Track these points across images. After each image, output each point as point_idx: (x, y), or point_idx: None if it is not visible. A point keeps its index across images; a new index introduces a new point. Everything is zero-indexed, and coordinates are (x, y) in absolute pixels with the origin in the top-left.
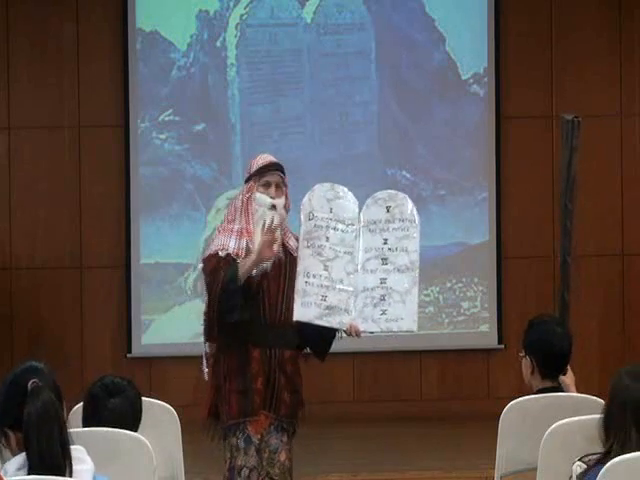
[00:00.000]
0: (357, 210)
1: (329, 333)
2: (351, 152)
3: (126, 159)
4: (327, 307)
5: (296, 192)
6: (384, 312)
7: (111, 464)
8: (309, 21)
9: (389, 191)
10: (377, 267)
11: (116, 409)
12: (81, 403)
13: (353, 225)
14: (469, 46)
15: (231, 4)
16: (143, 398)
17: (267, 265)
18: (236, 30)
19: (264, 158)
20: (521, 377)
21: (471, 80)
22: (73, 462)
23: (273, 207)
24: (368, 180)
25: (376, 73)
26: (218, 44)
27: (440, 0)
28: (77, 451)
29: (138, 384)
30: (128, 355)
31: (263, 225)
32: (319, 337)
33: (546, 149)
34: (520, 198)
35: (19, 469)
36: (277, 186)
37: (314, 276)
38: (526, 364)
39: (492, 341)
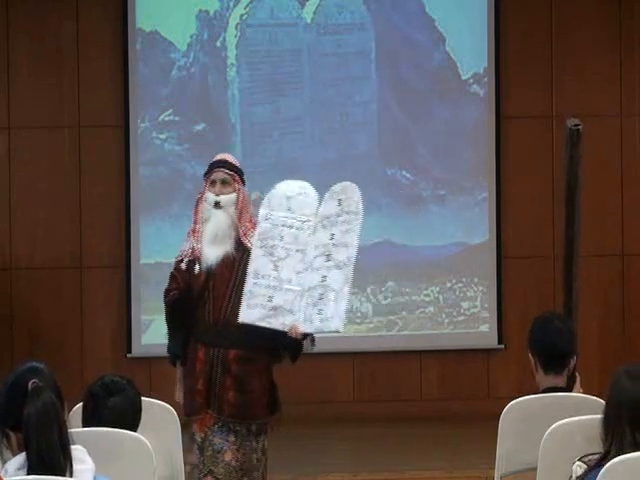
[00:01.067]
0: (317, 206)
1: (279, 337)
2: (351, 152)
3: (126, 159)
4: (272, 308)
5: None
6: (320, 312)
7: (111, 464)
8: (309, 21)
9: (344, 183)
10: (322, 264)
11: (116, 408)
12: (81, 403)
13: (310, 222)
14: (469, 46)
15: (231, 4)
16: (143, 398)
17: (212, 264)
18: (236, 30)
19: (216, 157)
20: (521, 377)
21: (471, 80)
22: (74, 462)
23: (217, 205)
24: (368, 180)
25: (376, 73)
26: (218, 44)
27: (440, 0)
28: (78, 451)
29: (138, 384)
30: (128, 355)
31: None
32: (285, 339)
33: (546, 149)
34: (520, 198)
35: (19, 469)
36: (223, 182)
37: (263, 277)
38: (531, 361)
39: (492, 341)
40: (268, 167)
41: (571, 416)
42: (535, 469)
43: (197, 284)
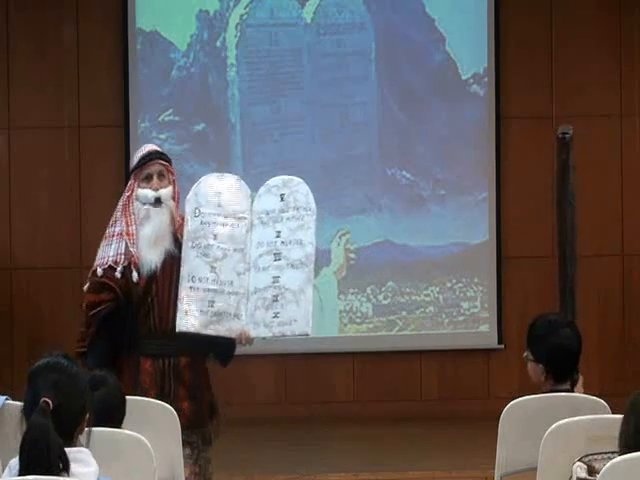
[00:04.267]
0: (250, 201)
1: (217, 339)
2: (351, 152)
3: (126, 159)
4: (215, 314)
5: None
6: (276, 315)
7: (111, 464)
8: (309, 21)
9: (283, 177)
10: (269, 264)
11: (101, 401)
12: None
13: (245, 219)
14: (469, 46)
15: (231, 4)
16: (143, 398)
17: (155, 266)
18: (236, 30)
19: (142, 149)
20: (521, 377)
21: (471, 80)
22: (78, 465)
23: (158, 201)
24: (368, 180)
25: (376, 73)
26: (218, 44)
27: (440, 0)
28: (82, 453)
29: None
30: None
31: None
32: (216, 342)
33: (546, 149)
34: (520, 198)
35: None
36: (160, 175)
37: (200, 280)
38: (535, 369)
39: (492, 341)
40: (268, 167)
41: (571, 416)
42: (535, 469)
43: (137, 292)
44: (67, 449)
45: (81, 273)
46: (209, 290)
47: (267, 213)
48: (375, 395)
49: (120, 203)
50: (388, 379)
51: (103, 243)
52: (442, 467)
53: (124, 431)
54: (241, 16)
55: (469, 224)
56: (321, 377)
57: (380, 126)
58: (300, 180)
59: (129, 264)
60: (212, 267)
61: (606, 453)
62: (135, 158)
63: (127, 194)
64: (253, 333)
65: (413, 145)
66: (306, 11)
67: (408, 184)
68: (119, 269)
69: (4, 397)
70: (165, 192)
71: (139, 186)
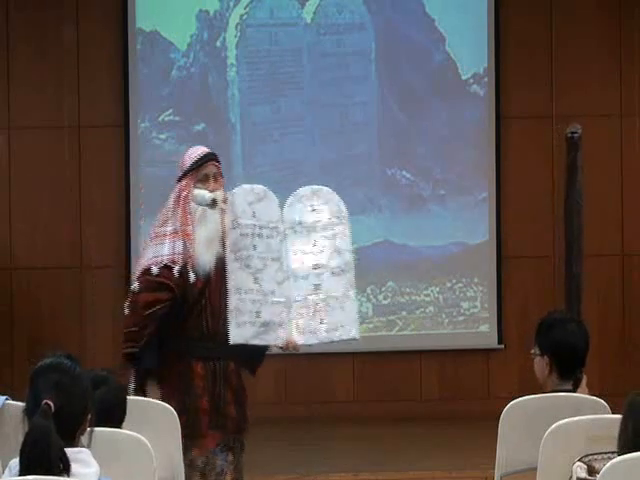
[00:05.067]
0: (280, 211)
1: (260, 347)
2: (351, 152)
3: (126, 159)
4: (262, 324)
5: None
6: (322, 321)
7: (111, 464)
8: (309, 21)
9: (312, 187)
10: (309, 272)
11: (102, 399)
12: None
13: (277, 228)
14: (469, 46)
15: (231, 4)
16: (144, 398)
17: (210, 268)
18: (236, 30)
19: (197, 150)
20: (521, 377)
21: (471, 80)
22: (79, 465)
23: (214, 203)
24: (368, 180)
25: (376, 73)
26: (218, 44)
27: (440, 0)
28: (83, 454)
29: None
30: None
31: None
32: (249, 351)
33: (546, 149)
34: (520, 198)
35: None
36: (215, 177)
37: (246, 292)
38: (542, 363)
39: (492, 341)
40: (268, 167)
41: (571, 416)
42: (535, 469)
43: (193, 293)
44: (68, 449)
45: (81, 273)
46: (254, 301)
47: (299, 223)
48: (375, 395)
49: (171, 202)
50: (388, 379)
51: (153, 242)
52: (442, 467)
53: (124, 431)
54: (241, 16)
55: (469, 224)
56: (321, 377)
57: (380, 126)
58: (330, 190)
59: (185, 264)
60: (255, 278)
61: (606, 453)
62: (188, 158)
63: (184, 193)
64: (299, 340)
65: (413, 145)
66: (306, 11)
67: (408, 184)
68: (177, 268)
69: (4, 397)
70: (220, 194)
71: (195, 187)
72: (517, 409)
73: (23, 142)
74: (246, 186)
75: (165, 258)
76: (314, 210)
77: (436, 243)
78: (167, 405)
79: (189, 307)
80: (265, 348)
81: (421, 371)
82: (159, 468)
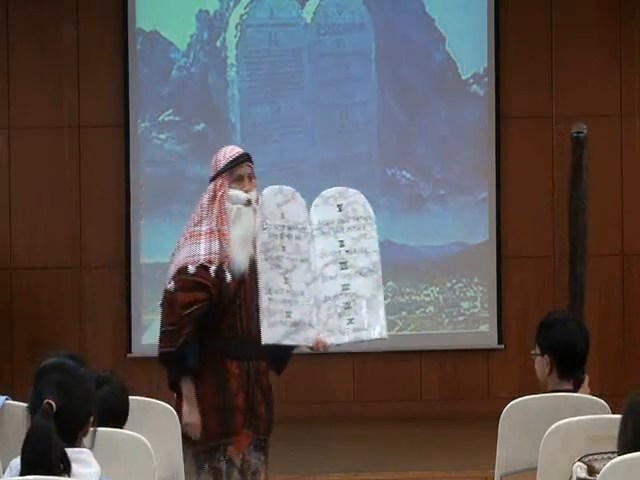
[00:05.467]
0: (307, 212)
1: (287, 347)
2: (351, 152)
3: (126, 159)
4: (293, 324)
5: None
6: (351, 321)
7: (111, 464)
8: (309, 21)
9: (338, 188)
10: (336, 273)
11: (105, 399)
12: None
13: (305, 229)
14: (469, 46)
15: (231, 4)
16: (143, 398)
17: (244, 269)
18: (236, 30)
19: (231, 150)
20: (521, 377)
21: (471, 80)
22: (80, 466)
23: (248, 203)
24: (368, 180)
25: (376, 73)
26: (218, 44)
27: (440, 0)
28: (84, 454)
29: (138, 384)
30: (128, 355)
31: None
32: (277, 351)
33: (546, 149)
34: (520, 198)
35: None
36: (249, 178)
37: (276, 292)
38: (542, 363)
39: (492, 341)
40: (268, 167)
41: (571, 416)
42: (535, 469)
43: (228, 293)
44: (68, 450)
45: (81, 273)
46: (285, 301)
47: (327, 224)
48: (375, 395)
49: (205, 202)
50: (388, 379)
51: (188, 241)
52: (442, 467)
53: (124, 431)
54: (241, 16)
55: (469, 224)
56: (321, 377)
57: (380, 126)
58: (356, 191)
59: (221, 264)
60: (285, 278)
61: (606, 453)
62: (222, 158)
63: (220, 193)
64: (329, 340)
65: (413, 145)
66: (306, 11)
67: (408, 184)
68: (213, 268)
69: (4, 397)
70: (254, 195)
71: (230, 186)
72: (517, 409)
73: (23, 142)
74: (274, 187)
75: (201, 258)
76: (341, 211)
77: (436, 243)
78: (167, 405)
79: (224, 307)
80: (291, 348)
81: (421, 371)
82: (159, 468)
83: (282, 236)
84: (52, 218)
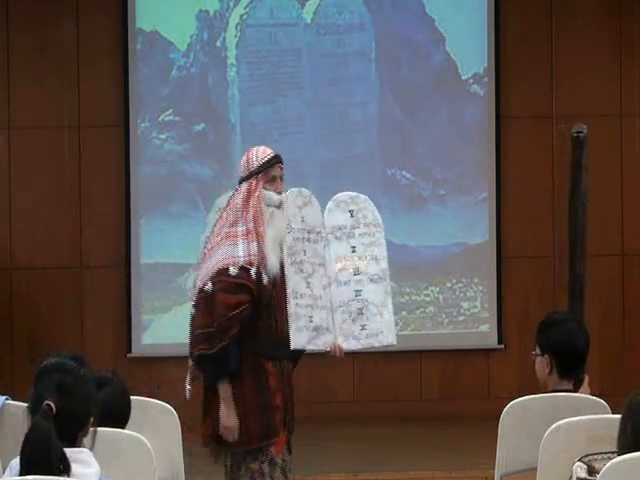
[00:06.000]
0: (322, 215)
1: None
2: (351, 152)
3: (126, 159)
4: (314, 328)
5: None
6: (364, 327)
7: (111, 464)
8: (309, 21)
9: (349, 193)
10: (349, 278)
11: (106, 400)
12: None
13: (321, 233)
14: (469, 46)
15: (231, 4)
16: (143, 398)
17: (277, 270)
18: (236, 30)
19: (264, 151)
20: (521, 377)
21: (471, 80)
22: (79, 466)
23: (281, 204)
24: (368, 180)
25: (376, 73)
26: (218, 44)
27: (440, 0)
28: (84, 454)
29: (138, 384)
30: (128, 355)
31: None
32: (292, 350)
33: (546, 149)
34: (520, 198)
35: None
36: (280, 179)
37: (301, 296)
38: (542, 363)
39: (492, 341)
40: None
41: (571, 416)
42: (535, 469)
43: (266, 295)
44: (68, 449)
45: (81, 273)
46: (307, 306)
47: (339, 229)
48: (375, 395)
49: (239, 202)
50: (388, 379)
51: (224, 242)
52: (442, 467)
53: (124, 431)
54: (241, 16)
55: (469, 224)
56: (321, 377)
57: (380, 126)
58: (366, 197)
59: (259, 266)
60: (307, 283)
61: (606, 453)
62: (255, 159)
63: (255, 194)
64: (344, 346)
65: (413, 145)
66: (306, 11)
67: (408, 184)
68: (253, 270)
69: (4, 397)
70: (284, 198)
71: (264, 187)
72: (517, 409)
73: (23, 142)
74: (294, 189)
75: (241, 259)
76: (352, 217)
77: (436, 243)
78: (167, 405)
79: (261, 308)
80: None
81: (421, 371)
82: (159, 468)
83: (303, 240)
84: (52, 218)
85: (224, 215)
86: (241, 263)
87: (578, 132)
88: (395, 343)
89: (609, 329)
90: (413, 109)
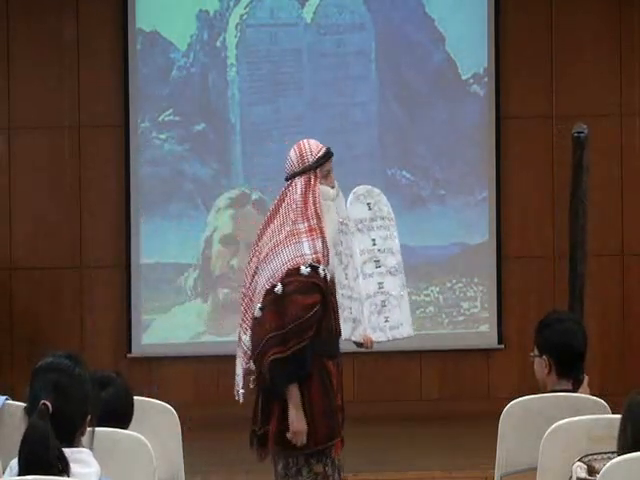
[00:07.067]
0: (346, 208)
1: None
2: (351, 152)
3: (126, 159)
4: (353, 320)
5: None
6: (387, 319)
7: (111, 464)
8: (309, 21)
9: (366, 186)
10: (372, 271)
11: (109, 400)
12: None
13: (348, 225)
14: (469, 46)
15: (231, 4)
16: (143, 398)
17: (334, 266)
18: (236, 30)
19: (317, 145)
20: (521, 377)
21: (471, 80)
22: (79, 466)
23: (334, 198)
24: (368, 180)
25: (376, 73)
26: (218, 44)
27: (440, 0)
28: (83, 454)
29: (138, 384)
30: (128, 355)
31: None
32: None
33: (546, 149)
34: (520, 198)
35: None
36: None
37: (342, 287)
38: (541, 363)
39: (492, 341)
40: (268, 167)
41: (571, 416)
42: (535, 469)
43: (329, 292)
44: (67, 450)
45: (81, 273)
46: (348, 297)
47: (361, 221)
48: (375, 395)
49: (298, 198)
50: (388, 379)
51: (289, 240)
52: (442, 467)
53: (124, 431)
54: (241, 16)
55: (469, 224)
56: None
57: (380, 126)
58: (379, 191)
59: (323, 263)
60: (345, 274)
61: (606, 453)
62: (309, 154)
63: (315, 189)
64: (374, 337)
65: (413, 145)
66: (306, 11)
67: (408, 184)
68: (321, 267)
69: (4, 397)
70: (337, 190)
71: (320, 181)
72: (517, 409)
73: (23, 142)
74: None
75: (309, 257)
76: (370, 209)
77: (436, 243)
78: (167, 405)
79: (327, 307)
80: None
81: (421, 371)
82: (159, 468)
83: (340, 231)
84: (52, 218)
85: (281, 211)
86: (310, 261)
87: (579, 132)
88: (413, 335)
89: (609, 329)
90: (413, 109)
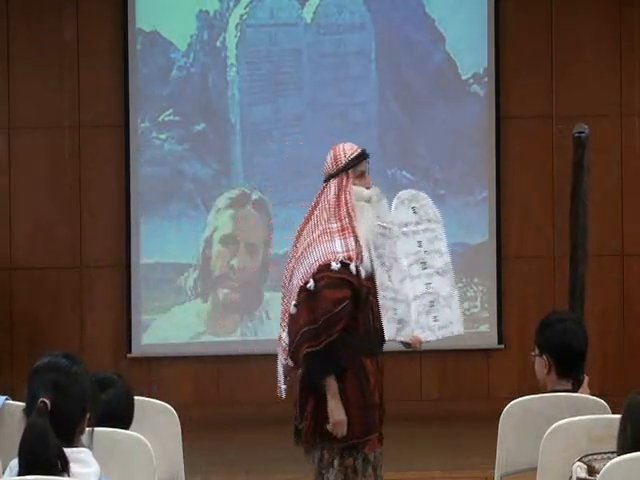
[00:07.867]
0: (390, 212)
1: None
2: None
3: (126, 159)
4: (399, 321)
5: (296, 192)
6: (435, 319)
7: (111, 464)
8: (309, 21)
9: (411, 191)
10: (419, 272)
11: (110, 401)
12: None
13: (392, 230)
14: (469, 46)
15: (231, 4)
16: (143, 398)
17: (370, 265)
18: (236, 30)
19: (351, 147)
20: (521, 377)
21: (471, 80)
22: (79, 465)
23: (370, 199)
24: None
25: (376, 73)
26: (218, 44)
27: (440, 0)
28: (83, 454)
29: (138, 384)
30: (128, 355)
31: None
32: None
33: (546, 149)
34: (520, 198)
35: None
36: (368, 174)
37: (385, 289)
38: (541, 363)
39: (492, 341)
40: (268, 167)
41: (571, 416)
42: (535, 469)
43: (363, 290)
44: (67, 449)
45: (81, 273)
46: (391, 299)
47: (406, 225)
48: None
49: (332, 198)
50: (388, 379)
51: (322, 238)
52: (442, 467)
53: (124, 431)
54: (241, 16)
55: (469, 224)
56: None
57: (380, 126)
58: (425, 195)
59: (355, 261)
60: (389, 276)
61: (606, 453)
62: (343, 155)
63: (348, 190)
64: (422, 337)
65: (413, 145)
66: (306, 11)
67: (408, 184)
68: (352, 265)
69: (4, 397)
70: (372, 191)
71: (354, 182)
72: (517, 409)
73: (23, 142)
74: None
75: (340, 255)
76: (415, 213)
77: None
78: (167, 405)
79: (359, 304)
80: None
81: (421, 371)
82: (159, 468)
83: (382, 235)
84: (52, 218)
85: (316, 212)
86: (341, 258)
87: (580, 132)
88: (462, 332)
89: (609, 329)
90: (413, 109)
